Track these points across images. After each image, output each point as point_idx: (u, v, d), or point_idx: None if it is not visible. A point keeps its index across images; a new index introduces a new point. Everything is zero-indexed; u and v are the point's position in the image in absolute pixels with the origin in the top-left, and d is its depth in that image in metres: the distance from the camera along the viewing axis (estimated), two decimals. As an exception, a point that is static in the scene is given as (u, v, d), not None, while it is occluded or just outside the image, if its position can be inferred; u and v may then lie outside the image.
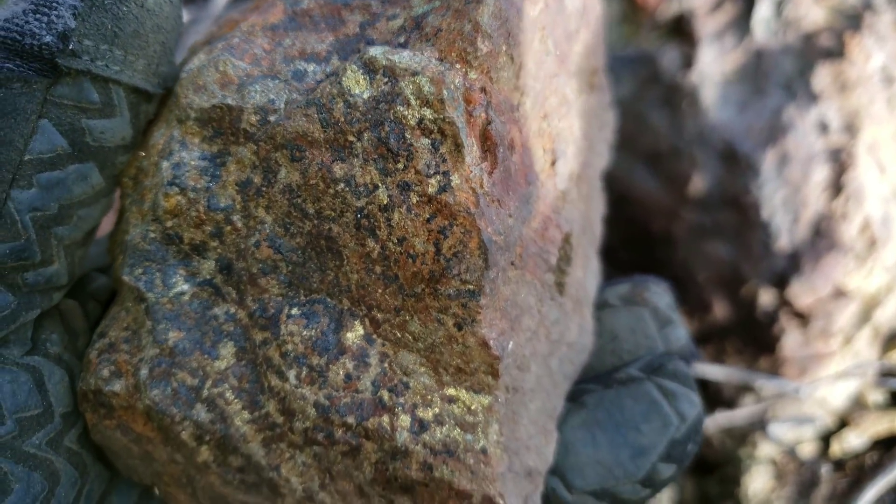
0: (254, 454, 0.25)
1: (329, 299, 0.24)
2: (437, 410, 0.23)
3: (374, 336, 0.24)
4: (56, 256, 0.23)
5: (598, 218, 0.36)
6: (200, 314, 0.25)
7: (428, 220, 0.22)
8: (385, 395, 0.23)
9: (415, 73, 0.21)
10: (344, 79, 0.21)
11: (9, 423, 0.23)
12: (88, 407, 0.26)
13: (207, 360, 0.24)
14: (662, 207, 0.75)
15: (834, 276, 0.70)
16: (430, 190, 0.21)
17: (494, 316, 0.23)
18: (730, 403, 0.81)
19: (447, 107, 0.21)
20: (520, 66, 0.24)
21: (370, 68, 0.21)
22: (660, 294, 0.34)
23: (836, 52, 0.73)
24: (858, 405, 0.84)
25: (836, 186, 0.70)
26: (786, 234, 0.70)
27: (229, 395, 0.24)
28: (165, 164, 0.24)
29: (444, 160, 0.21)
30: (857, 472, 0.85)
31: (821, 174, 0.70)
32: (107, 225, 0.31)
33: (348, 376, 0.23)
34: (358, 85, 0.21)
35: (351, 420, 0.23)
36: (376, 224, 0.22)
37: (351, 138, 0.22)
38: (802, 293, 0.70)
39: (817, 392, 0.78)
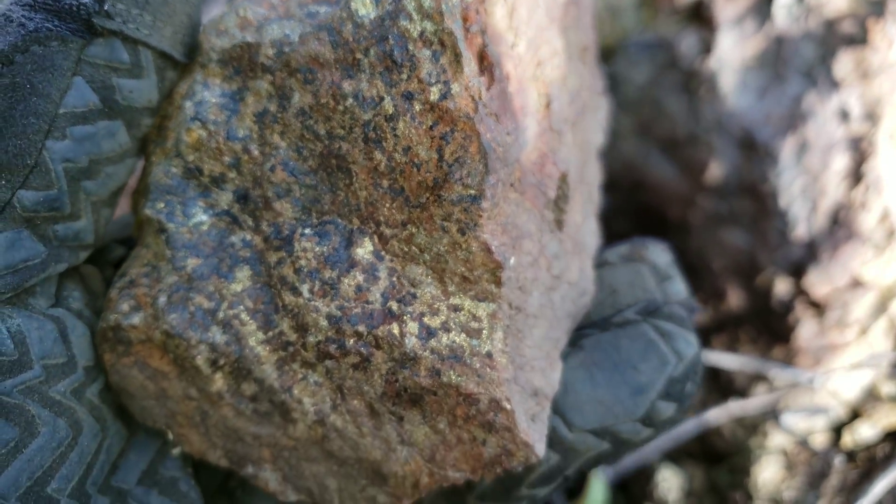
0: (267, 377, 0.26)
1: (340, 220, 0.25)
2: (443, 318, 0.24)
3: (383, 252, 0.25)
4: (84, 212, 0.24)
5: (597, 184, 0.37)
6: (218, 242, 0.26)
7: (431, 128, 0.23)
8: (394, 305, 0.25)
9: None
10: (352, 3, 0.23)
11: (36, 368, 0.24)
12: (107, 346, 0.27)
13: (223, 283, 0.26)
14: (678, 195, 0.74)
15: (851, 266, 0.69)
16: (431, 98, 0.23)
17: (496, 227, 0.24)
18: (742, 393, 0.81)
19: (446, 19, 0.22)
20: (512, 7, 0.25)
21: None
22: (659, 252, 0.34)
23: (859, 39, 0.72)
24: (872, 397, 0.84)
25: (856, 175, 0.69)
26: (803, 222, 0.69)
27: (244, 316, 0.26)
28: (188, 104, 0.26)
29: (445, 70, 0.22)
30: (869, 463, 0.84)
31: (840, 162, 0.69)
32: (121, 210, 0.32)
33: (359, 288, 0.25)
34: (364, 7, 0.23)
35: (362, 329, 0.25)
36: (383, 135, 0.23)
37: (358, 55, 0.23)
38: (819, 283, 0.69)
39: (831, 383, 0.78)
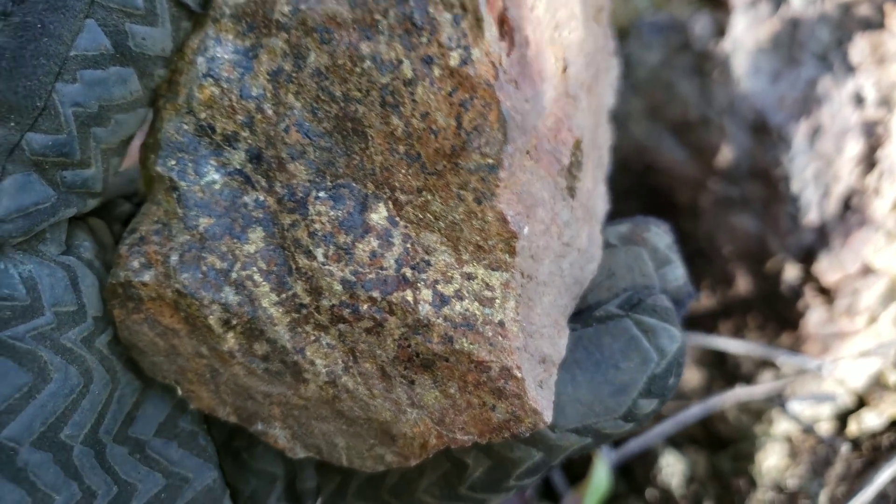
0: (279, 338, 0.26)
1: (354, 183, 0.25)
2: (457, 286, 0.25)
3: (398, 218, 0.25)
4: (93, 159, 0.24)
5: (607, 147, 0.37)
6: (230, 202, 0.26)
7: (450, 94, 0.23)
8: (408, 272, 0.25)
9: None
10: None
11: (48, 315, 0.23)
12: (117, 303, 0.27)
13: (237, 244, 0.26)
14: (689, 178, 0.74)
15: (863, 253, 0.69)
16: (451, 63, 0.22)
17: (512, 197, 0.24)
18: (748, 379, 0.81)
19: None
20: None
21: None
22: (660, 235, 0.34)
23: (876, 23, 0.71)
24: (878, 385, 0.83)
25: (870, 161, 0.69)
26: (815, 208, 0.68)
27: (257, 277, 0.25)
28: (200, 59, 0.25)
29: (465, 35, 0.22)
30: (874, 452, 0.84)
31: (854, 148, 0.69)
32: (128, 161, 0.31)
33: (373, 254, 0.25)
34: None
35: (376, 294, 0.25)
36: (400, 100, 0.23)
37: (377, 17, 0.22)
38: (829, 269, 0.69)
39: (839, 371, 0.77)
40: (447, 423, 0.26)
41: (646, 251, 0.32)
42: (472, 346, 0.24)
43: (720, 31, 0.74)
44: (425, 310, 0.25)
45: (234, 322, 0.26)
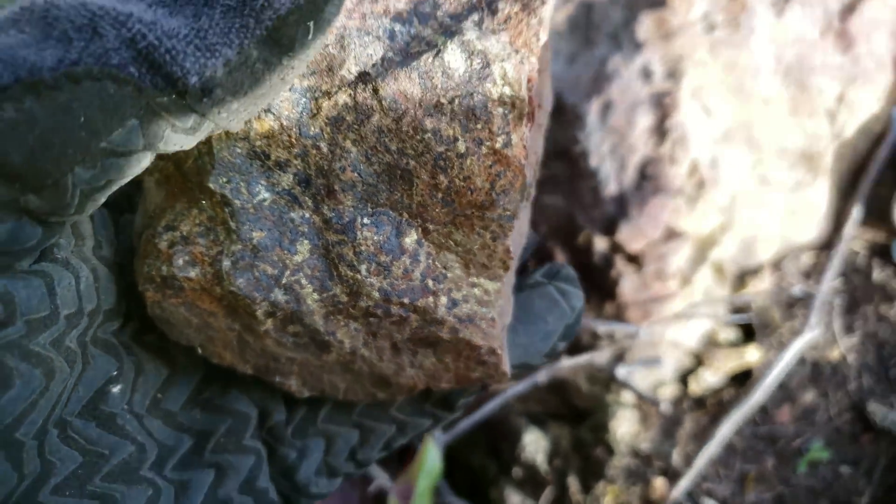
0: (314, 323, 0.32)
1: (391, 212, 0.30)
2: (465, 293, 0.32)
3: (424, 241, 0.31)
4: (82, 207, 0.24)
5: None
6: (278, 217, 0.30)
7: (490, 166, 0.29)
8: (430, 282, 0.31)
9: (503, 60, 0.27)
10: (445, 55, 0.27)
11: (19, 324, 0.24)
12: (153, 287, 0.31)
13: (287, 255, 0.30)
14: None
15: (662, 218, 0.72)
16: (496, 145, 0.28)
17: (515, 233, 0.31)
18: (589, 349, 0.84)
19: (521, 88, 0.27)
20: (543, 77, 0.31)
21: (467, 50, 0.27)
22: None
23: (659, 2, 0.75)
24: (711, 343, 0.87)
25: (661, 131, 0.72)
26: (613, 180, 0.72)
27: (304, 281, 0.31)
28: None
29: (509, 124, 0.28)
30: (717, 407, 0.88)
31: (645, 120, 0.72)
32: None
33: (406, 270, 0.31)
34: (455, 61, 0.27)
35: (406, 300, 0.31)
36: (450, 165, 0.29)
37: (443, 101, 0.28)
38: (632, 237, 0.72)
39: (666, 334, 0.81)
40: (436, 378, 0.34)
41: None
42: (471, 335, 0.32)
43: (521, 19, 0.77)
44: (441, 311, 0.31)
45: (279, 314, 0.31)
